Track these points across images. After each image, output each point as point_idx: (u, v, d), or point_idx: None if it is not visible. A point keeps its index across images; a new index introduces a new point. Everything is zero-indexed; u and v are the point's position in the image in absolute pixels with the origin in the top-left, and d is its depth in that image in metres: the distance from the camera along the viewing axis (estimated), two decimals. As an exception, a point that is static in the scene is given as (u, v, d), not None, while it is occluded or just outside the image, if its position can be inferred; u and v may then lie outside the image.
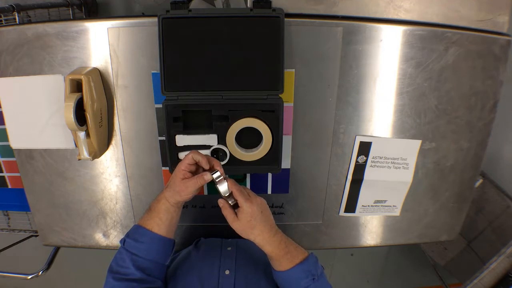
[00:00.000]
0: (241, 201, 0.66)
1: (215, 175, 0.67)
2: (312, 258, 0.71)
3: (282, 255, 0.68)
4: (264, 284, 0.74)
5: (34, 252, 1.51)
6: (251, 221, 0.66)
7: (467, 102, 0.85)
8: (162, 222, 0.70)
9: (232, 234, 0.90)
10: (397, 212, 0.97)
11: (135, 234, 0.70)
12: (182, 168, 0.68)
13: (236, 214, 0.67)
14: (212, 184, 0.70)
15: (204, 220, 0.94)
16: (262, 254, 0.83)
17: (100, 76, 0.78)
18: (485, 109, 0.86)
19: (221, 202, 0.68)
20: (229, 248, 0.81)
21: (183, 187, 0.67)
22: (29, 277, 1.18)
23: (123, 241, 0.70)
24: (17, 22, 1.14)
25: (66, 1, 1.39)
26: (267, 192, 0.92)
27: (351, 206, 0.94)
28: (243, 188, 0.69)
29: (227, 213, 0.67)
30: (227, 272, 0.74)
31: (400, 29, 0.77)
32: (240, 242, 0.85)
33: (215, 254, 0.80)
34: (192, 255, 0.82)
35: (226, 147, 0.79)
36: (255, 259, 0.80)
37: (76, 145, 0.84)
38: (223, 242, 0.85)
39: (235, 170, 0.83)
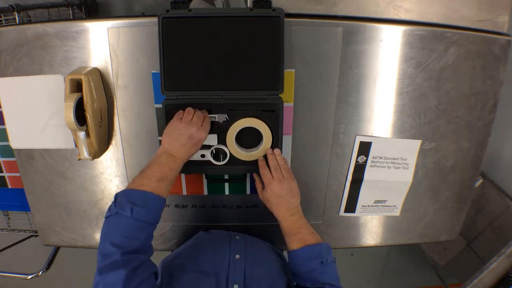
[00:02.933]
0: (266, 181, 0.76)
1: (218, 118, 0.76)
2: (325, 245, 0.73)
3: (292, 233, 0.74)
4: (273, 272, 0.75)
5: (34, 252, 1.51)
6: (272, 199, 0.76)
7: (467, 102, 0.85)
8: (170, 185, 0.72)
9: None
10: (397, 212, 0.97)
11: (145, 202, 0.65)
12: (200, 115, 0.73)
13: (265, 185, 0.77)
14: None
15: (204, 220, 0.94)
16: (270, 244, 0.85)
17: (100, 76, 0.78)
18: (485, 109, 0.86)
19: (255, 176, 0.81)
20: (237, 237, 0.82)
21: (205, 131, 0.73)
22: (29, 277, 1.18)
23: (130, 210, 0.63)
24: (17, 22, 1.14)
25: (66, 1, 1.39)
26: (267, 192, 0.92)
27: (351, 206, 0.94)
28: (280, 166, 0.77)
29: (257, 186, 0.80)
30: (237, 256, 0.75)
31: (400, 29, 0.77)
32: (247, 237, 0.85)
33: (225, 240, 0.80)
34: (202, 239, 0.84)
35: (226, 147, 0.79)
36: (263, 248, 0.82)
37: (76, 145, 0.84)
38: (231, 233, 0.85)
39: (235, 170, 0.83)
